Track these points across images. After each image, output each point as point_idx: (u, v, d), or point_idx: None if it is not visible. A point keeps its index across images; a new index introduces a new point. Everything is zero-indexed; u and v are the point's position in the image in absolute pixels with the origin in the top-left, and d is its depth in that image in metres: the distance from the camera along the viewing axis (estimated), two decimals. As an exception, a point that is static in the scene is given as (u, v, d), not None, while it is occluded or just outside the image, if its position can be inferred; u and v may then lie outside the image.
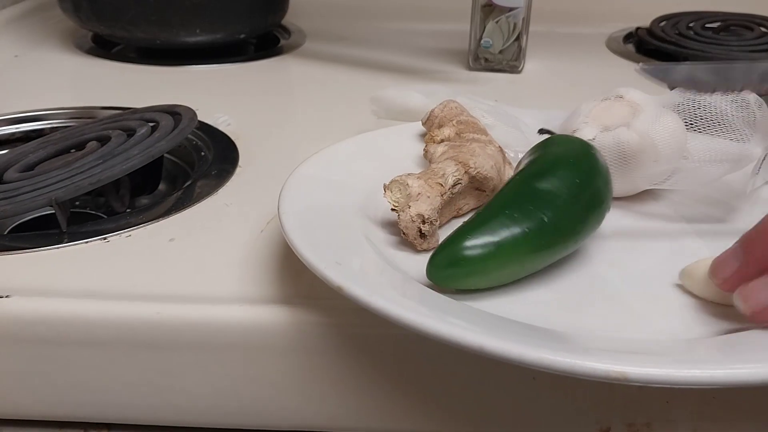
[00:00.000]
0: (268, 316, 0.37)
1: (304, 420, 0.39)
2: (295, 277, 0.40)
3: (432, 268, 0.35)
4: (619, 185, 0.45)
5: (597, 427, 0.38)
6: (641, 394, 0.37)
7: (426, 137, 0.48)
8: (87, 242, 0.43)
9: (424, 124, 0.51)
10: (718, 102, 0.43)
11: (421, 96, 0.58)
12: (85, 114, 0.63)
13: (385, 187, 0.40)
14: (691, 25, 0.88)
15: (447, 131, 0.47)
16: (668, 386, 0.29)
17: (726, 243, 0.35)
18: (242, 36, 0.80)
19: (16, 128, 0.61)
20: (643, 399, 0.37)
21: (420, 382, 0.37)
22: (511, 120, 0.52)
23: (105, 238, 0.43)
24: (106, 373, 0.38)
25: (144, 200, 0.53)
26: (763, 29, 0.86)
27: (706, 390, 0.37)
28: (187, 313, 0.37)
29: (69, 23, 0.83)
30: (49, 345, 0.37)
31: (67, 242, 0.43)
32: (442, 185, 0.40)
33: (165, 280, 0.40)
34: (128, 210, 0.50)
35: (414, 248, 0.39)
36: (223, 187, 0.50)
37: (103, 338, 0.37)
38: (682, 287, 0.37)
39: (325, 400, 0.38)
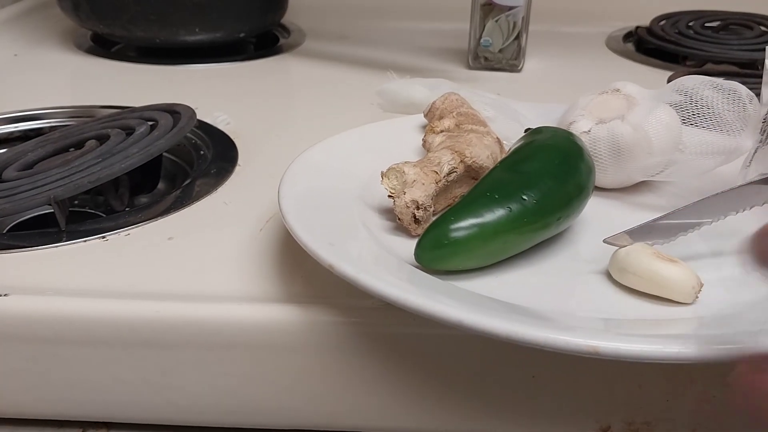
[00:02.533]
0: (267, 314, 0.37)
1: (303, 418, 0.39)
2: (293, 276, 0.40)
3: (419, 250, 0.36)
4: (614, 176, 0.46)
5: (597, 425, 0.38)
6: (641, 393, 0.37)
7: (426, 128, 0.49)
8: (86, 241, 0.43)
9: (425, 115, 0.52)
10: (711, 96, 0.44)
11: (424, 89, 0.60)
12: (84, 113, 0.63)
13: (383, 175, 0.41)
14: (690, 24, 0.88)
15: (447, 122, 0.48)
16: (639, 361, 0.30)
17: (715, 232, 0.37)
18: (242, 35, 0.80)
19: (15, 127, 0.61)
20: (643, 398, 0.37)
21: (419, 380, 0.37)
22: (511, 113, 0.54)
23: (104, 237, 0.43)
24: (104, 371, 0.38)
25: (143, 199, 0.53)
26: (762, 28, 0.86)
27: (705, 388, 0.36)
28: (186, 312, 0.37)
29: (68, 22, 0.83)
30: (47, 343, 0.37)
31: (65, 241, 0.43)
32: (437, 173, 0.41)
33: (164, 279, 0.40)
34: (127, 209, 0.50)
35: (409, 233, 0.40)
36: (222, 186, 0.50)
37: (101, 337, 0.37)
38: None
39: (323, 398, 0.38)
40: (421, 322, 0.36)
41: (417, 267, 0.36)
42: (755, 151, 0.43)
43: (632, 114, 0.45)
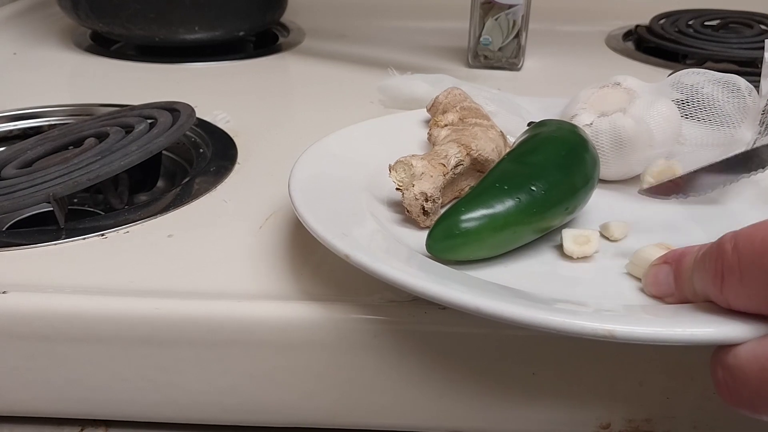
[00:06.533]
0: (267, 311, 0.37)
1: (303, 415, 0.39)
2: (293, 273, 0.40)
3: (431, 240, 0.36)
4: (615, 169, 0.46)
5: (597, 423, 0.38)
6: (642, 390, 0.37)
7: (430, 122, 0.50)
8: (85, 238, 0.43)
9: (428, 110, 0.52)
10: (711, 89, 0.45)
11: (426, 84, 0.60)
12: (83, 111, 0.63)
13: (391, 168, 0.41)
14: (690, 22, 0.88)
15: (450, 116, 0.48)
16: (652, 344, 0.30)
17: (717, 223, 0.37)
18: (241, 34, 0.80)
19: (15, 125, 0.61)
20: (643, 395, 0.37)
21: (419, 378, 0.37)
22: (513, 107, 0.54)
23: (103, 235, 0.43)
24: (103, 369, 0.38)
25: (142, 197, 0.53)
26: (762, 27, 0.86)
27: (706, 385, 0.36)
28: (186, 309, 0.37)
29: (68, 21, 0.83)
30: (46, 341, 0.37)
31: (64, 238, 0.43)
32: (444, 166, 0.41)
33: (163, 276, 0.40)
34: (126, 207, 0.50)
35: (417, 225, 0.41)
36: (222, 184, 0.50)
37: (100, 334, 0.37)
38: None
39: (323, 395, 0.38)
40: (420, 320, 0.36)
41: (427, 257, 0.37)
42: (754, 143, 0.44)
43: (633, 107, 0.45)
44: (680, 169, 0.38)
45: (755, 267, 0.28)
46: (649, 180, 0.38)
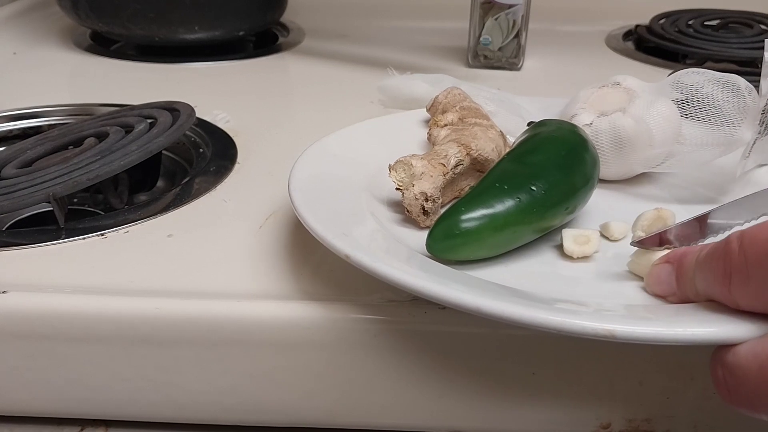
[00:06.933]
0: (266, 311, 0.37)
1: (302, 415, 0.39)
2: (292, 273, 0.40)
3: (431, 240, 0.36)
4: (615, 168, 0.46)
5: (597, 422, 0.38)
6: (642, 390, 0.37)
7: (430, 122, 0.50)
8: (84, 238, 0.43)
9: (428, 110, 0.52)
10: (711, 89, 0.45)
11: (426, 84, 0.60)
12: (83, 111, 0.63)
13: (390, 168, 0.41)
14: (690, 22, 0.88)
15: (450, 116, 0.48)
16: (652, 344, 0.30)
17: None
18: (241, 33, 0.80)
19: (14, 125, 0.61)
20: (643, 394, 0.37)
21: (419, 378, 0.37)
22: (513, 107, 0.54)
23: (103, 234, 0.43)
24: (103, 369, 0.38)
25: (142, 197, 0.53)
26: (762, 26, 0.86)
27: (706, 385, 0.36)
28: (185, 309, 0.37)
29: (67, 21, 0.83)
30: (46, 341, 0.37)
31: (64, 238, 0.43)
32: (444, 165, 0.41)
33: (163, 276, 0.40)
34: (126, 206, 0.50)
35: (417, 225, 0.41)
36: (221, 184, 0.50)
37: (100, 334, 0.37)
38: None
39: (323, 396, 0.38)
40: (420, 320, 0.36)
41: (427, 257, 0.37)
42: (754, 143, 0.44)
43: (633, 107, 0.45)
44: (671, 217, 0.38)
45: (760, 267, 0.28)
46: (640, 234, 0.38)
